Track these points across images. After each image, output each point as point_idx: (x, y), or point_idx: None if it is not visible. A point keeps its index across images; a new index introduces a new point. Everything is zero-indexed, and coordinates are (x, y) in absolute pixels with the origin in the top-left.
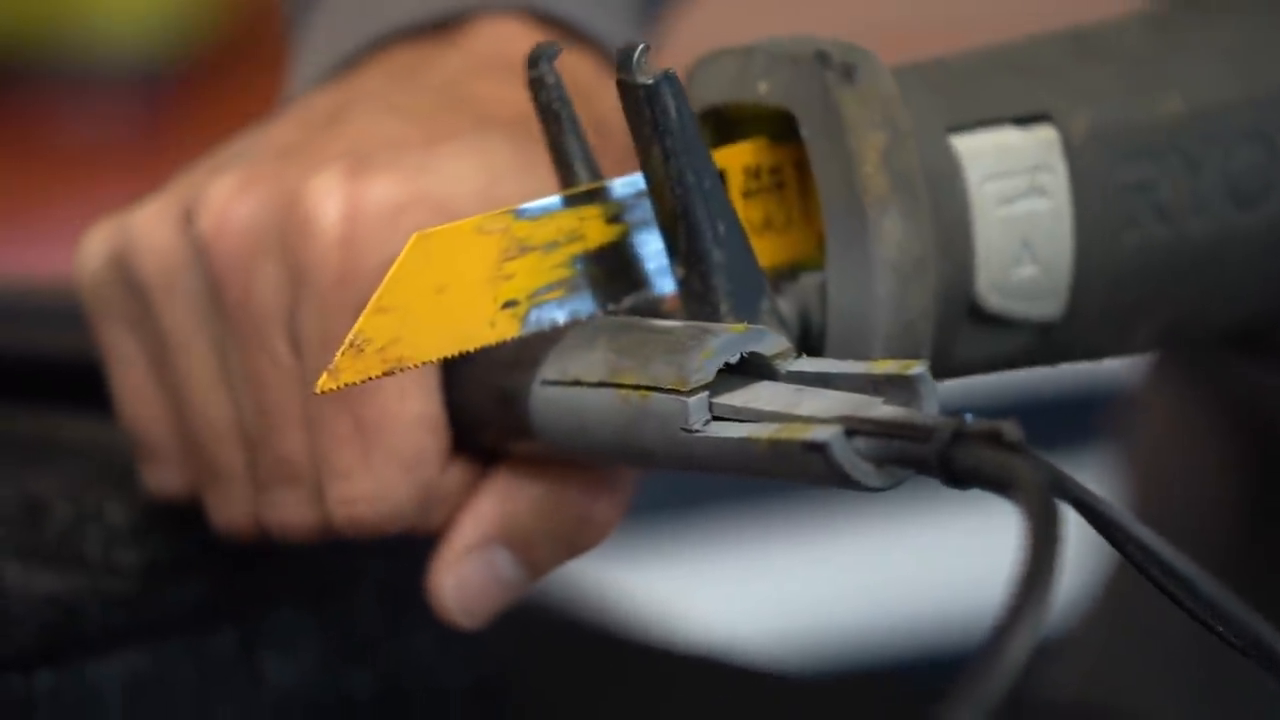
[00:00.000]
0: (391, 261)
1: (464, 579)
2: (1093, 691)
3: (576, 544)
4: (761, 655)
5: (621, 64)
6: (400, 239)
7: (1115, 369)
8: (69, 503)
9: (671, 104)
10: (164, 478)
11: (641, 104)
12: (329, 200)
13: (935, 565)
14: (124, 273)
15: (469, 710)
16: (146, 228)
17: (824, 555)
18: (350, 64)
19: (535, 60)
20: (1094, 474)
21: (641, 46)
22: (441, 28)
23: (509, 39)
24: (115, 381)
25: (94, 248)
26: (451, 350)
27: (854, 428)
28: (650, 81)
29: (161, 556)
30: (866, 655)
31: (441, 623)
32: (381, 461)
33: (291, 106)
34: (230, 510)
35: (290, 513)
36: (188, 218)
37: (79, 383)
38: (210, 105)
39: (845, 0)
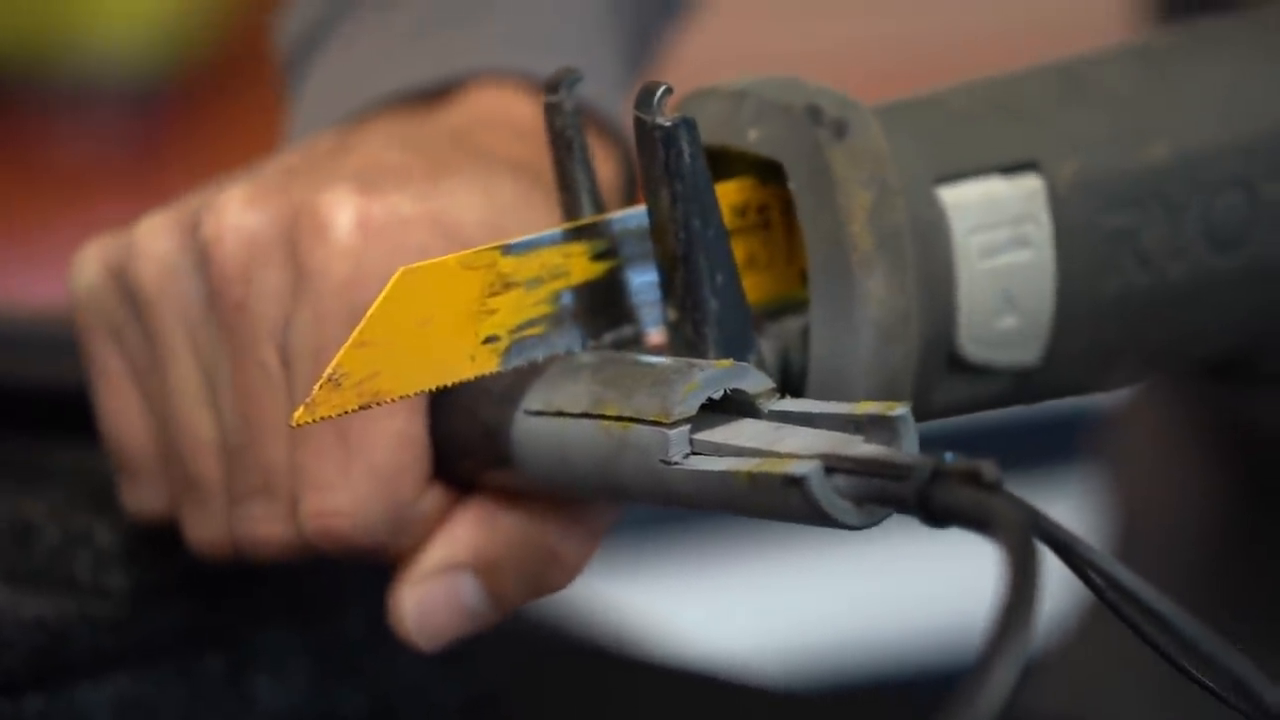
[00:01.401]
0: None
1: (426, 599)
2: (1071, 711)
3: (544, 581)
4: (755, 671)
5: (641, 103)
6: (405, 255)
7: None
8: (58, 526)
9: (686, 148)
10: (143, 496)
11: (656, 145)
12: (342, 210)
13: (929, 580)
14: (121, 283)
15: None
16: (149, 237)
17: (817, 570)
18: (349, 122)
19: (555, 85)
20: (1077, 493)
21: (663, 87)
22: (439, 94)
23: (507, 102)
24: (100, 396)
25: (90, 260)
26: (430, 385)
27: (833, 465)
28: (668, 124)
29: (151, 579)
30: (861, 670)
31: None
32: (360, 475)
33: (293, 145)
34: (206, 527)
35: (264, 527)
36: (192, 228)
37: (68, 408)
38: (207, 123)
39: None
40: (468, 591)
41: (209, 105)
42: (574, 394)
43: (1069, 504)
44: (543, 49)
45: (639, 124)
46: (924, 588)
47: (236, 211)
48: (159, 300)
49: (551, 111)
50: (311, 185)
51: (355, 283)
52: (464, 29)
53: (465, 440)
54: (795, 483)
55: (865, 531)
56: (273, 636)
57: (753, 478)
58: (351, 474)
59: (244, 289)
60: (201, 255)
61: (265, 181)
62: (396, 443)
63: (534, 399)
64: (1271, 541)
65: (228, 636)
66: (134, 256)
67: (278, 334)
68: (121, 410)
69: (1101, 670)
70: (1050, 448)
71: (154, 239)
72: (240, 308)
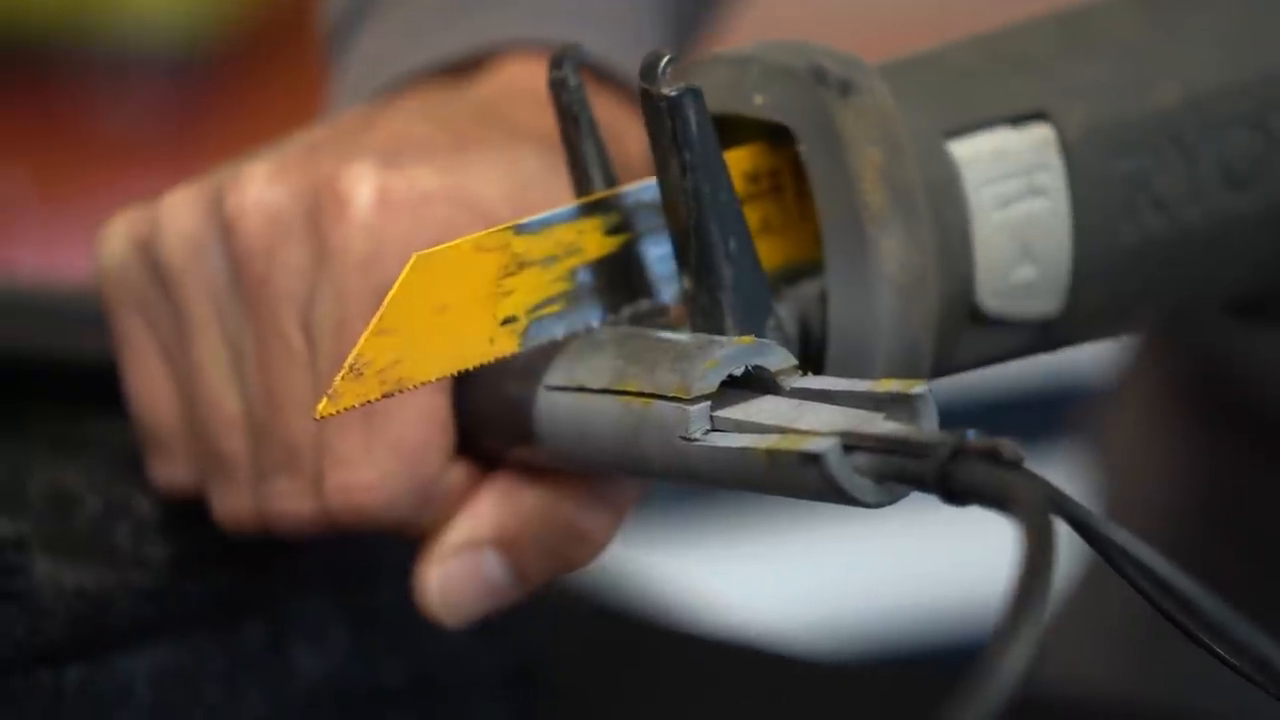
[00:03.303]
0: (414, 251)
1: (451, 576)
2: (1048, 678)
3: (568, 558)
4: (793, 641)
5: (645, 73)
6: (427, 229)
7: (1087, 366)
8: (98, 496)
9: (693, 117)
10: (170, 471)
11: (663, 115)
12: (362, 185)
13: (962, 553)
14: (146, 257)
15: (500, 697)
16: (173, 212)
17: (850, 541)
18: (381, 96)
19: (558, 62)
20: (1063, 470)
21: (667, 57)
22: (469, 66)
23: (535, 74)
24: (127, 371)
25: (116, 235)
26: (451, 369)
27: (852, 443)
28: (673, 94)
29: (190, 549)
30: (899, 641)
31: None
32: (384, 451)
33: (324, 119)
34: (233, 502)
35: (290, 502)
36: (216, 203)
37: (108, 379)
38: (244, 93)
39: None
40: (491, 568)
41: (247, 74)
42: (596, 369)
43: (1054, 481)
44: (574, 20)
45: (644, 95)
46: (957, 561)
47: (259, 187)
48: (184, 276)
49: (557, 88)
50: (333, 160)
51: (376, 258)
52: (495, 1)
53: (488, 416)
54: (813, 460)
55: (898, 505)
56: (312, 606)
57: (771, 455)
58: (375, 449)
59: (266, 265)
60: (225, 231)
61: (288, 156)
62: (420, 418)
63: (556, 374)
64: (1255, 519)
65: (267, 606)
66: (159, 232)
67: (301, 310)
68: (148, 385)
69: (1080, 639)
70: (1036, 425)
71: (178, 214)
72: (263, 283)
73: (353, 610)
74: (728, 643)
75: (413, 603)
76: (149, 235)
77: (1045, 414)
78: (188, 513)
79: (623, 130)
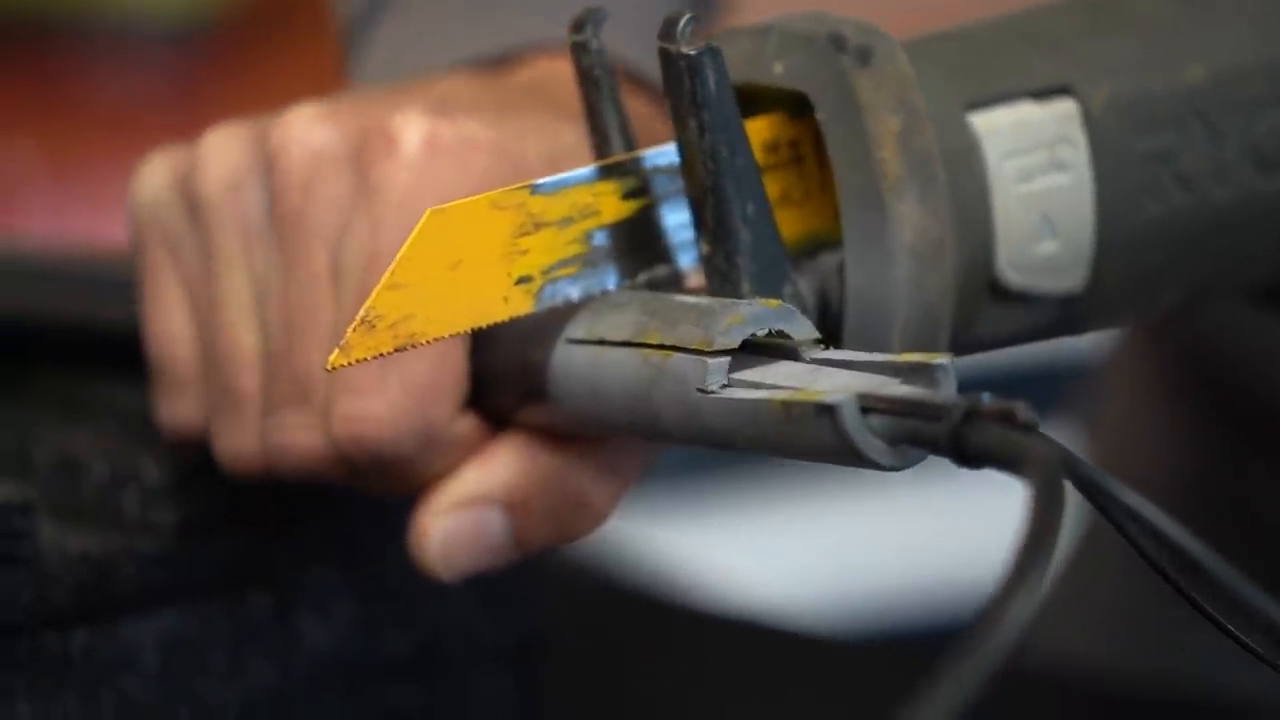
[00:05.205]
0: (454, 197)
1: (453, 530)
2: (1053, 662)
3: (571, 526)
4: (800, 618)
5: (665, 33)
6: (469, 176)
7: (1077, 347)
8: (105, 461)
9: (712, 77)
10: (178, 410)
11: (682, 74)
12: (412, 128)
13: (977, 529)
14: (183, 191)
15: (505, 670)
16: (215, 146)
17: (864, 517)
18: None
19: (581, 24)
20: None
21: (687, 16)
22: (497, 63)
23: (566, 71)
24: (148, 307)
25: (154, 170)
26: (465, 326)
27: (868, 404)
28: (693, 52)
29: (198, 516)
30: (903, 618)
31: (481, 583)
32: (396, 385)
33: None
34: (238, 438)
35: (297, 435)
36: (260, 140)
37: (111, 345)
38: (247, 65)
39: None
40: (495, 527)
41: (248, 47)
42: (618, 323)
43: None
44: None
45: (664, 55)
46: (965, 538)
47: (305, 125)
48: (219, 209)
49: (578, 50)
50: (384, 108)
51: (416, 197)
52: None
53: (502, 370)
54: (828, 411)
55: (915, 483)
56: (320, 576)
57: (786, 406)
58: (388, 383)
59: (304, 197)
60: (267, 164)
61: (339, 104)
62: (435, 360)
63: (577, 328)
64: (1246, 499)
65: (274, 574)
66: (199, 166)
67: (332, 244)
68: (167, 320)
69: (1071, 614)
70: (1030, 402)
71: (220, 149)
72: (298, 216)
73: (359, 581)
74: (732, 618)
75: (418, 575)
76: (188, 170)
77: (1035, 394)
78: (196, 479)
79: (648, 129)
